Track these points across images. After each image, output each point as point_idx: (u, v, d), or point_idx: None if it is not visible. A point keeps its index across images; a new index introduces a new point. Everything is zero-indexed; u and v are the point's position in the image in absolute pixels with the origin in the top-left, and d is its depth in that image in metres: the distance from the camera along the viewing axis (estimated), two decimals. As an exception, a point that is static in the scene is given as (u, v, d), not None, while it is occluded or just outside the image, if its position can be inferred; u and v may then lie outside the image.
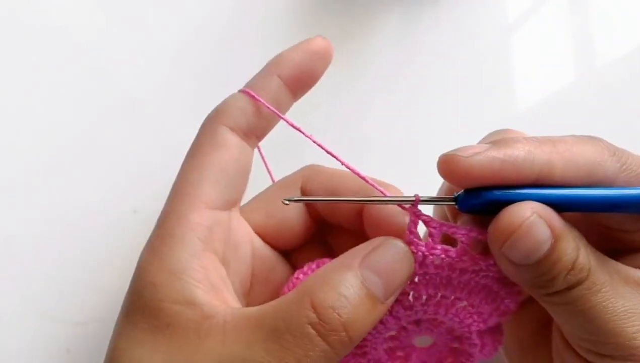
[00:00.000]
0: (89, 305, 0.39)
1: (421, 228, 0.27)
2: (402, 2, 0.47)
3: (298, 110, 0.44)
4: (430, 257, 0.26)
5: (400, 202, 0.27)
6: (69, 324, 0.39)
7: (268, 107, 0.29)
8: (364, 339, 0.29)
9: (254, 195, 0.33)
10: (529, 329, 0.32)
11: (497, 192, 0.25)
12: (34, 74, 0.44)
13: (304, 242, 0.33)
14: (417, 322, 0.30)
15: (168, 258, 0.26)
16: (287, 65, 0.30)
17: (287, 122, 0.29)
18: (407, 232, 0.26)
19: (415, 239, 0.26)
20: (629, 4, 0.47)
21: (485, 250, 0.26)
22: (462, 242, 0.26)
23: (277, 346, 0.23)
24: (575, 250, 0.25)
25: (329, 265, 0.26)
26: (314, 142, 0.29)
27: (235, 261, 0.30)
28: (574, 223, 0.25)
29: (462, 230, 0.26)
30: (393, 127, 0.44)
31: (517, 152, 0.24)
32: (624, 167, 0.26)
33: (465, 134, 0.44)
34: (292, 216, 0.32)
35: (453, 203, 0.26)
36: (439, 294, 0.28)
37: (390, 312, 0.28)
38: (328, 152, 0.28)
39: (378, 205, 0.30)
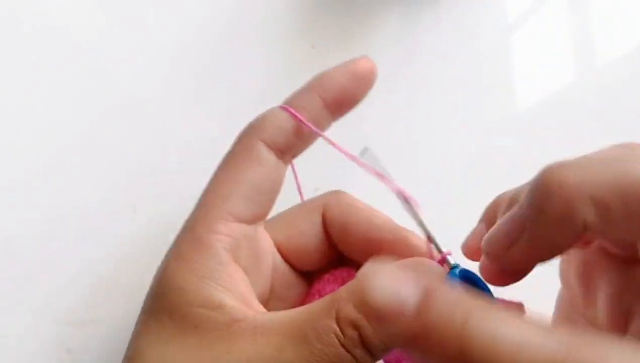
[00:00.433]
0: (89, 305, 0.39)
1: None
2: (402, 2, 0.47)
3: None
4: None
5: None
6: (69, 324, 0.39)
7: (311, 128, 0.29)
8: None
9: (279, 207, 0.33)
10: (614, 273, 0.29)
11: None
12: (33, 73, 0.44)
13: (324, 265, 0.33)
14: None
15: (196, 265, 0.26)
16: (331, 87, 0.29)
17: (334, 144, 0.29)
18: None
19: None
20: (629, 4, 0.47)
21: None
22: None
23: (307, 352, 0.24)
24: None
25: (356, 281, 0.26)
26: (361, 165, 0.29)
27: (257, 274, 0.30)
28: None
29: None
30: (393, 127, 0.44)
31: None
32: None
33: (465, 133, 0.44)
34: (312, 240, 0.32)
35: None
36: None
37: None
38: (380, 177, 0.29)
39: (399, 247, 0.30)
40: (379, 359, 0.25)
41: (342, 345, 0.24)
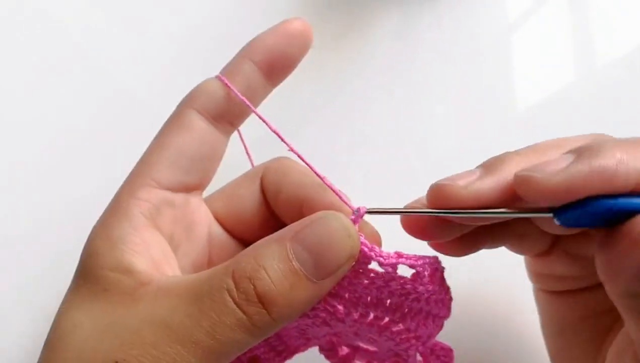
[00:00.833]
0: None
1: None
2: (402, 2, 0.47)
3: (297, 110, 0.44)
4: (377, 258, 0.25)
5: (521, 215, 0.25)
6: (69, 324, 0.39)
7: (236, 94, 0.28)
8: (304, 325, 0.28)
9: None
10: (574, 314, 0.31)
11: (606, 202, 0.23)
12: (32, 73, 0.44)
13: (264, 232, 0.31)
14: (356, 333, 0.28)
15: (112, 230, 0.26)
16: (260, 50, 0.28)
17: (252, 110, 0.28)
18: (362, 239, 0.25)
19: (364, 241, 0.25)
20: (629, 4, 0.47)
21: (415, 274, 0.25)
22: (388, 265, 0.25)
23: (196, 309, 0.23)
24: None
25: (266, 237, 0.25)
26: (276, 134, 0.28)
27: (188, 243, 0.30)
28: None
29: (414, 259, 0.25)
30: (393, 126, 0.44)
31: (608, 162, 0.22)
32: None
33: (465, 133, 0.44)
34: (250, 206, 0.31)
35: (550, 215, 0.24)
36: (371, 314, 0.26)
37: (324, 318, 0.27)
38: (287, 145, 0.28)
39: (319, 202, 0.28)
40: (280, 324, 0.23)
41: (235, 302, 0.23)
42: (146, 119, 0.43)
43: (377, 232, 0.28)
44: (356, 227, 0.25)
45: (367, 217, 0.27)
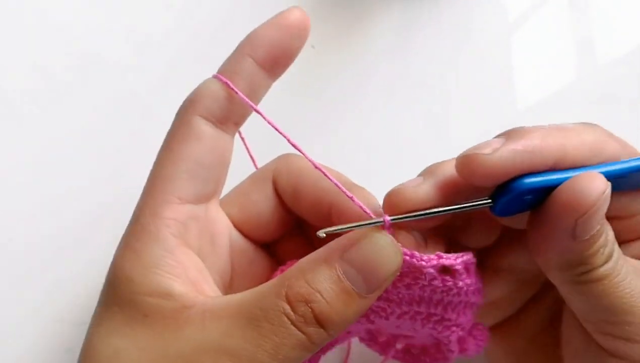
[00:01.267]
0: (89, 305, 0.39)
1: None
2: (402, 2, 0.47)
3: (297, 109, 0.44)
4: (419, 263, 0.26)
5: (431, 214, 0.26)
6: (69, 324, 0.39)
7: (240, 96, 0.27)
8: None
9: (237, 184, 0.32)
10: (519, 343, 0.32)
11: (534, 180, 0.25)
12: (32, 73, 0.44)
13: (283, 233, 0.32)
14: (397, 326, 0.30)
15: (143, 254, 0.26)
16: (261, 45, 0.27)
17: (257, 111, 0.28)
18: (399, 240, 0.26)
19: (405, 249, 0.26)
20: (629, 4, 0.47)
21: (445, 272, 0.27)
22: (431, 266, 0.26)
23: (255, 333, 0.23)
24: (605, 224, 0.25)
25: (309, 256, 0.26)
26: (284, 136, 0.27)
27: (213, 255, 0.29)
28: None
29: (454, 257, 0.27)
30: (392, 126, 0.44)
31: (534, 141, 0.25)
32: (622, 145, 0.27)
33: (464, 133, 0.44)
34: (266, 209, 0.31)
35: (489, 203, 0.26)
36: (414, 310, 0.28)
37: (368, 317, 0.28)
38: (293, 145, 0.27)
39: (348, 207, 0.28)
40: (335, 336, 0.25)
41: (293, 324, 0.23)
42: (148, 120, 0.44)
43: (409, 235, 0.28)
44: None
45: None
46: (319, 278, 0.24)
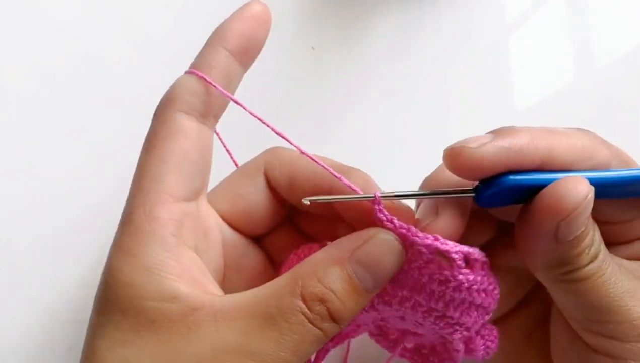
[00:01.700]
0: (91, 304, 0.39)
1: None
2: (401, 3, 0.47)
3: (297, 110, 0.44)
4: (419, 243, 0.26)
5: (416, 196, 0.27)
6: (70, 322, 0.39)
7: (219, 89, 0.28)
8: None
9: (218, 179, 0.32)
10: (514, 340, 0.32)
11: (520, 178, 0.25)
12: (32, 74, 0.44)
13: (274, 226, 0.32)
14: (402, 317, 0.30)
15: (142, 256, 0.25)
16: (233, 36, 0.28)
17: (236, 102, 0.28)
18: (392, 225, 0.27)
19: (402, 230, 0.27)
20: (629, 4, 0.47)
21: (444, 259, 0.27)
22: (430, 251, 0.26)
23: (275, 333, 0.24)
24: (592, 225, 0.26)
25: (319, 255, 0.26)
26: (263, 122, 0.28)
27: (207, 251, 0.29)
28: None
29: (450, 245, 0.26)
30: (392, 126, 0.44)
31: (521, 140, 0.25)
32: (615, 154, 0.27)
33: (464, 134, 0.44)
34: (258, 202, 0.31)
35: (472, 194, 0.26)
36: (413, 299, 0.28)
37: (372, 302, 0.28)
38: (278, 133, 0.28)
39: (348, 191, 0.29)
40: (344, 328, 0.26)
41: (311, 322, 0.24)
42: (146, 118, 0.44)
43: (409, 207, 0.29)
44: (381, 209, 0.27)
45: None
46: (331, 278, 0.25)
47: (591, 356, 0.27)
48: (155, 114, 0.28)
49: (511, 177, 0.25)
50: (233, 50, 0.28)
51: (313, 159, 0.28)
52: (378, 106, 0.45)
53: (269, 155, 0.31)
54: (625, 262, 0.28)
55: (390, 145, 0.44)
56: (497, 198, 0.26)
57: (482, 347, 0.30)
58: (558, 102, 0.45)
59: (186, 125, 0.27)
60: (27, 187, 0.41)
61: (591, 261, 0.25)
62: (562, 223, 0.24)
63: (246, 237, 0.32)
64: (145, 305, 0.25)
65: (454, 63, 0.46)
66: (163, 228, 0.26)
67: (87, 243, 0.40)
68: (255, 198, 0.31)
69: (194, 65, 0.28)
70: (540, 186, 0.25)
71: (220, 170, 0.32)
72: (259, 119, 0.28)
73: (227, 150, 0.33)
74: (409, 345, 0.34)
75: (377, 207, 0.27)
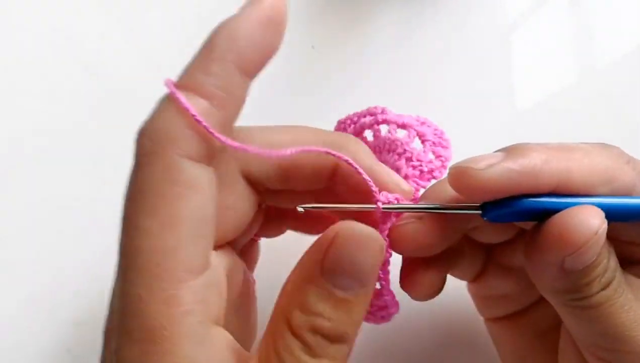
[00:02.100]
0: (90, 305, 0.39)
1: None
2: (401, 2, 0.47)
3: (297, 109, 0.44)
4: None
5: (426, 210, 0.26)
6: (69, 324, 0.39)
7: (220, 139, 0.22)
8: None
9: None
10: (526, 337, 0.32)
11: (531, 201, 0.24)
12: (33, 74, 0.44)
13: (265, 224, 0.30)
14: None
15: (173, 359, 0.21)
16: (247, 47, 0.22)
17: (245, 148, 0.23)
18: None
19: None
20: (629, 4, 0.47)
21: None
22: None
23: None
24: (607, 251, 0.24)
25: (293, 279, 0.23)
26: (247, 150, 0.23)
27: (222, 303, 0.25)
28: None
29: None
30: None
31: (534, 161, 0.23)
32: None
33: (464, 134, 0.44)
34: (243, 209, 0.27)
35: (478, 211, 0.25)
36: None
37: None
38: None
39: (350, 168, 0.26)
40: (355, 337, 0.24)
41: (312, 355, 0.22)
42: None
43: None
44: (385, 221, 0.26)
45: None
46: (310, 301, 0.22)
47: None
48: (144, 154, 0.21)
49: (520, 202, 0.24)
50: (245, 65, 0.22)
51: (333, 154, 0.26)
52: (377, 104, 0.45)
53: (236, 154, 0.26)
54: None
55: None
56: (506, 218, 0.25)
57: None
58: (558, 102, 0.45)
59: (198, 178, 0.22)
60: (27, 188, 0.41)
61: (603, 289, 0.24)
62: (568, 258, 0.23)
63: (225, 249, 0.27)
64: None
65: (454, 63, 0.46)
66: (190, 317, 0.21)
67: (86, 245, 0.40)
68: (241, 205, 0.27)
69: (194, 83, 0.22)
70: (553, 210, 0.24)
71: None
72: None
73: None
74: None
75: (381, 217, 0.26)
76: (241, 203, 0.27)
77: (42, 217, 0.41)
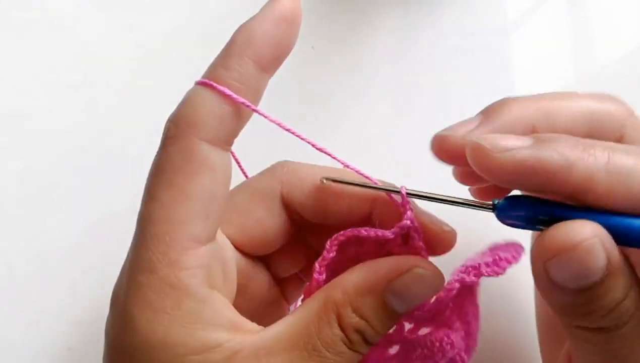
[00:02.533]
0: (90, 304, 0.39)
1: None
2: (401, 3, 0.47)
3: (296, 110, 0.44)
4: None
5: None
6: (70, 323, 0.39)
7: (255, 110, 0.25)
8: None
9: None
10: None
11: (546, 208, 0.23)
12: (35, 76, 0.44)
13: (283, 245, 0.31)
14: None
15: (177, 313, 0.23)
16: (262, 44, 0.24)
17: (272, 120, 0.26)
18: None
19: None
20: (629, 4, 0.47)
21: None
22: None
23: (318, 362, 0.24)
24: (624, 290, 0.22)
25: (353, 278, 0.26)
26: (297, 136, 0.27)
27: (227, 283, 0.28)
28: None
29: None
30: (391, 126, 0.44)
31: (555, 158, 0.22)
32: None
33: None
34: (273, 227, 0.29)
35: (490, 210, 0.25)
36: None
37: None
38: (319, 149, 0.27)
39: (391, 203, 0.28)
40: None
41: (351, 349, 0.25)
42: (149, 123, 0.44)
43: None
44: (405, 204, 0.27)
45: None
46: (367, 307, 0.25)
47: None
48: (169, 137, 0.24)
49: (543, 208, 0.23)
50: (263, 61, 0.24)
51: (363, 174, 0.28)
52: (378, 106, 0.45)
53: (286, 175, 0.29)
54: None
55: (390, 145, 0.44)
56: (517, 221, 0.25)
57: None
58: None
59: (212, 159, 0.24)
60: (29, 189, 0.41)
61: (611, 330, 0.23)
62: (552, 267, 0.22)
63: (252, 258, 0.31)
64: (187, 361, 0.23)
65: (454, 63, 0.46)
66: (193, 279, 0.24)
67: (86, 244, 0.40)
68: (270, 223, 0.29)
69: (215, 75, 0.24)
70: (558, 219, 0.22)
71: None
72: (301, 138, 0.27)
73: (243, 172, 0.31)
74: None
75: (403, 202, 0.27)
76: (271, 221, 0.29)
77: (42, 217, 0.41)
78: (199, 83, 0.25)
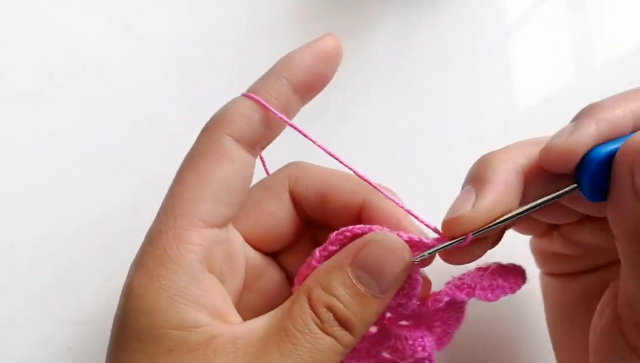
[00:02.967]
0: (90, 305, 0.39)
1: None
2: (401, 3, 0.47)
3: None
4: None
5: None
6: (69, 323, 0.39)
7: (281, 118, 0.27)
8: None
9: None
10: (574, 298, 0.32)
11: (607, 148, 0.25)
12: (35, 76, 0.44)
13: (293, 241, 0.32)
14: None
15: (166, 282, 0.25)
16: (298, 69, 0.27)
17: (300, 131, 0.28)
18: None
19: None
20: (628, 4, 0.47)
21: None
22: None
23: (290, 345, 0.24)
24: None
25: (323, 264, 0.27)
26: (320, 147, 0.28)
27: (232, 276, 0.29)
28: None
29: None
30: (391, 126, 0.44)
31: (606, 113, 0.25)
32: None
33: (464, 134, 0.44)
34: (283, 219, 0.31)
35: (575, 186, 0.26)
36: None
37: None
38: (335, 158, 0.28)
39: (380, 206, 0.29)
40: (360, 337, 0.26)
41: (321, 329, 0.25)
42: (149, 123, 0.44)
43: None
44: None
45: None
46: (333, 283, 0.25)
47: (624, 350, 0.26)
48: (202, 131, 0.28)
49: (600, 149, 0.25)
50: (297, 85, 0.28)
51: (366, 179, 0.28)
52: (378, 106, 0.45)
53: (294, 170, 0.31)
54: None
55: (390, 145, 0.44)
56: (601, 181, 0.25)
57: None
58: (558, 101, 0.45)
59: (234, 152, 0.27)
60: (29, 188, 0.41)
61: None
62: (635, 167, 0.23)
63: (264, 254, 0.31)
64: (164, 334, 0.24)
65: (454, 63, 0.46)
66: (192, 254, 0.25)
67: (86, 245, 0.40)
68: (281, 215, 0.30)
69: (253, 89, 0.28)
70: None
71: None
72: (329, 153, 0.28)
73: (266, 169, 0.32)
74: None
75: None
76: (282, 214, 0.30)
77: (43, 216, 0.41)
78: (242, 95, 0.28)
